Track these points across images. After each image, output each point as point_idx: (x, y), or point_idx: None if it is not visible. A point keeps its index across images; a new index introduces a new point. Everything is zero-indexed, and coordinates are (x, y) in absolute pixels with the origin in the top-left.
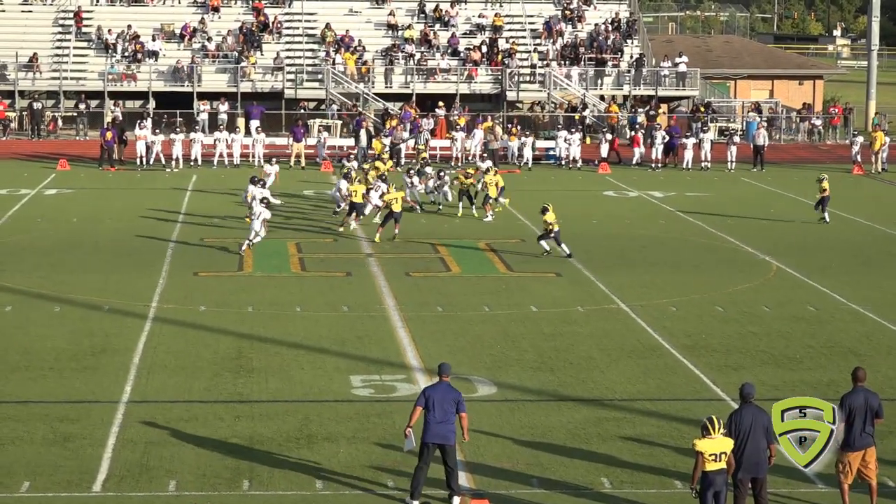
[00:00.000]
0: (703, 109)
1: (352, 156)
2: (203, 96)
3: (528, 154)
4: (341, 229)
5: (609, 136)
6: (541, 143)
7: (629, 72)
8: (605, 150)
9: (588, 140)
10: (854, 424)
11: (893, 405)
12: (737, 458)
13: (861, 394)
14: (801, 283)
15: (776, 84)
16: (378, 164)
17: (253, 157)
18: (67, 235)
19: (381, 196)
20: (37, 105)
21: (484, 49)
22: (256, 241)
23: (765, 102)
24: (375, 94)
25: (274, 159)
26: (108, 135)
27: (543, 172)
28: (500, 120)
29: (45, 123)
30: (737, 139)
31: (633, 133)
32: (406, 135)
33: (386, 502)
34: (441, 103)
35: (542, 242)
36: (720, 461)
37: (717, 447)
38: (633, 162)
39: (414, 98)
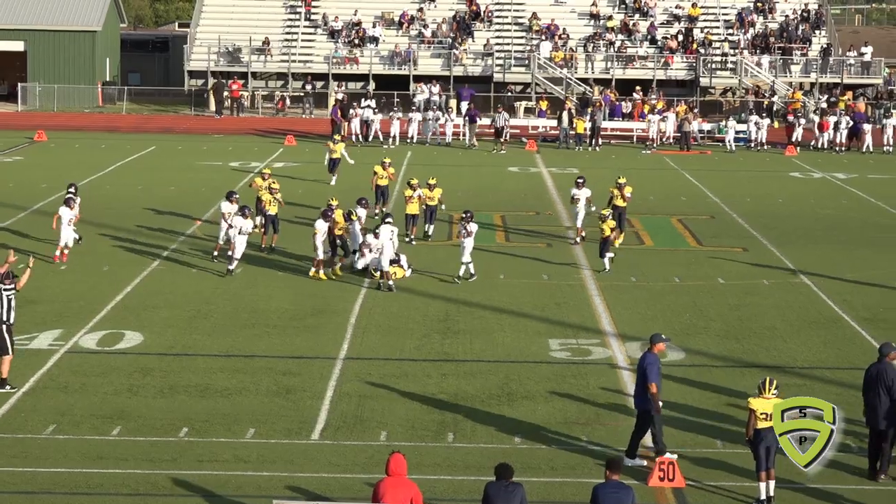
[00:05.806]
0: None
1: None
2: (419, 79)
3: (730, 136)
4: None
5: (803, 121)
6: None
7: (816, 60)
8: (797, 133)
9: (776, 124)
10: None
11: None
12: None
13: None
14: None
15: None
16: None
17: (463, 136)
18: (291, 205)
19: None
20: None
21: (680, 38)
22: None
23: None
24: (577, 78)
25: (365, 200)
26: (340, 112)
27: (735, 155)
28: (693, 104)
29: (274, 102)
30: None
31: (820, 119)
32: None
33: (579, 458)
34: (638, 88)
35: None
36: (769, 420)
37: (766, 407)
38: (818, 145)
39: (613, 83)
